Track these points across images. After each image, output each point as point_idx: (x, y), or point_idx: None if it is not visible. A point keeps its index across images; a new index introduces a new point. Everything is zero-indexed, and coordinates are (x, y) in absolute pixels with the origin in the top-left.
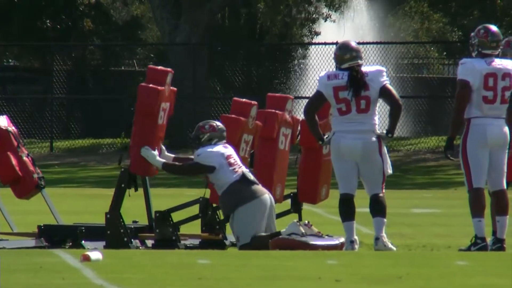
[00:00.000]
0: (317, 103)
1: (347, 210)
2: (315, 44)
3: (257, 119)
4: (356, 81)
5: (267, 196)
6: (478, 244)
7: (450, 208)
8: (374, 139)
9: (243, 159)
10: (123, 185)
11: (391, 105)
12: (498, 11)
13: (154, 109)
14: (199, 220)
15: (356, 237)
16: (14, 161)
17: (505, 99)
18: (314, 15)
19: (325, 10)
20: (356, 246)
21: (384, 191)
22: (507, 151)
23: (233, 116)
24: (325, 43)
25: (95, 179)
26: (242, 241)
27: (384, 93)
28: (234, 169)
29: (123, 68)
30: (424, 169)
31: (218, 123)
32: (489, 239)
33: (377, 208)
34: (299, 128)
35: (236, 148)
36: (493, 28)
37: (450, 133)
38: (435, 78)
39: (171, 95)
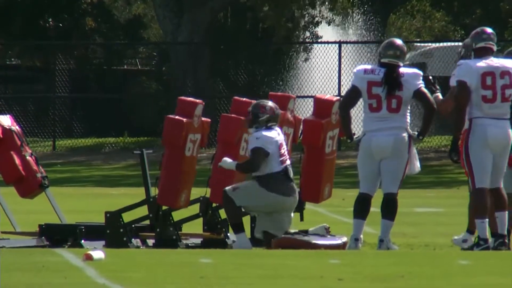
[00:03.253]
0: (352, 98)
1: (361, 208)
2: (317, 43)
3: None
4: (391, 79)
5: (296, 197)
6: (480, 245)
7: (453, 207)
8: (405, 135)
9: (243, 158)
10: (150, 215)
11: (425, 108)
12: (502, 12)
13: (179, 141)
14: (201, 219)
15: (361, 236)
16: (17, 160)
17: (506, 98)
18: (317, 19)
19: (328, 14)
20: (360, 245)
21: (398, 190)
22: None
23: (233, 115)
24: (328, 42)
25: (98, 178)
26: (258, 226)
27: (419, 96)
28: (282, 160)
29: (125, 67)
30: (428, 168)
31: (277, 106)
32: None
33: (389, 210)
34: (301, 127)
35: (237, 147)
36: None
37: (454, 134)
38: (437, 77)
39: (203, 126)
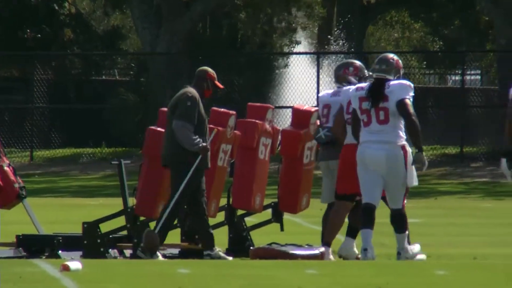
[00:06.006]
0: (354, 119)
1: (366, 218)
2: (296, 53)
3: (238, 129)
4: (375, 91)
5: None
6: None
7: (431, 218)
8: (398, 150)
9: (221, 169)
10: (128, 225)
11: (404, 120)
12: (481, 23)
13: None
14: (179, 229)
15: (371, 245)
16: None
17: None
18: (293, 25)
19: (304, 20)
20: (369, 255)
21: (405, 202)
22: None
23: (211, 126)
24: (306, 53)
25: (76, 189)
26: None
27: (399, 106)
28: None
29: (103, 77)
30: None
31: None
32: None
33: (397, 224)
34: (279, 137)
35: (215, 158)
36: None
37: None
38: (416, 88)
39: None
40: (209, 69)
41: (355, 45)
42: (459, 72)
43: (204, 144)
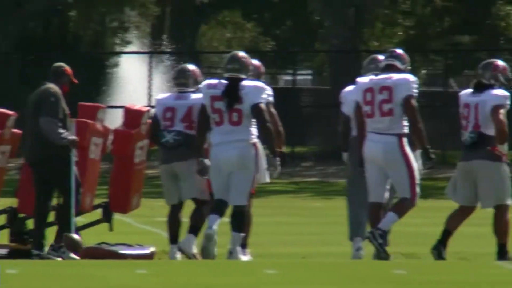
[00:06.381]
0: (202, 115)
1: (216, 208)
2: (128, 53)
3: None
4: (230, 93)
5: None
6: None
7: (261, 217)
8: (250, 148)
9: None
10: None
11: (259, 126)
12: (312, 24)
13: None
14: (7, 230)
15: (215, 229)
16: None
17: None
18: (126, 24)
19: (137, 19)
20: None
21: (248, 202)
22: None
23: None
24: (139, 52)
25: None
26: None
27: (255, 111)
28: None
29: None
30: None
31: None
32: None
33: (236, 223)
34: (111, 137)
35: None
36: None
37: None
38: None
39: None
40: (65, 65)
41: (188, 44)
42: (291, 72)
43: (73, 137)
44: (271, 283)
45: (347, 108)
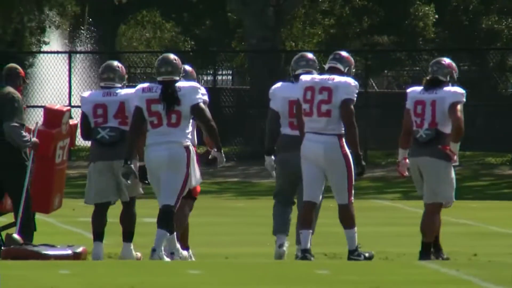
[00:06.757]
0: (138, 118)
1: (160, 219)
2: (47, 52)
3: None
4: (168, 96)
5: None
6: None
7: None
8: (181, 150)
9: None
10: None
11: (203, 125)
12: (230, 23)
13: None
14: None
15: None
16: None
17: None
18: (44, 24)
19: (57, 19)
20: (156, 256)
21: (178, 203)
22: None
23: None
24: (58, 52)
25: None
26: None
27: (195, 111)
28: None
29: None
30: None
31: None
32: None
33: (166, 223)
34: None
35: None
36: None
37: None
38: None
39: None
40: (18, 66)
41: (107, 44)
42: (211, 72)
43: (35, 139)
44: (195, 283)
45: (276, 105)
